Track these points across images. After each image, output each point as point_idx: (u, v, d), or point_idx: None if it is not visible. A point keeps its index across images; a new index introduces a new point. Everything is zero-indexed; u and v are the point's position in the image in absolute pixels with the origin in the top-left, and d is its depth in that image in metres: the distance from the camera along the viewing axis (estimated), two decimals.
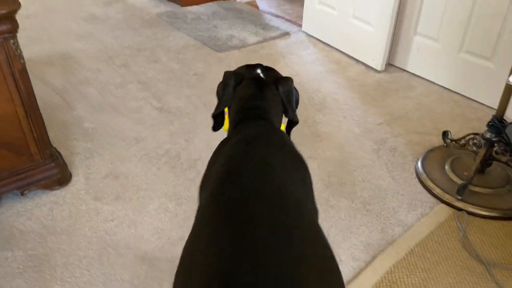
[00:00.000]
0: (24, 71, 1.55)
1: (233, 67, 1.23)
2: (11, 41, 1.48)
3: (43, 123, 1.70)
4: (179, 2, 3.89)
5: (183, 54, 3.01)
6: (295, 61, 2.98)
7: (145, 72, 2.75)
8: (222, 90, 1.16)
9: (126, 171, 1.92)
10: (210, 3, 4.02)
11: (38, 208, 1.70)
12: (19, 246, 1.54)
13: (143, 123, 2.26)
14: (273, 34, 3.41)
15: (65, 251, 1.53)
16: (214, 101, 1.19)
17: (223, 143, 1.00)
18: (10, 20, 1.44)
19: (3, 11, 1.41)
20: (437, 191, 1.83)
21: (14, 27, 1.47)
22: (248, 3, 4.07)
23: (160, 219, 1.68)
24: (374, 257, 1.54)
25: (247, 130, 1.01)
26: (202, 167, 1.94)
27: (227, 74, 1.16)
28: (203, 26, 3.51)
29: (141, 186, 1.83)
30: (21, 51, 1.53)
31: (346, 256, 1.54)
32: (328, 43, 3.22)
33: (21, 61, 1.53)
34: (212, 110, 1.17)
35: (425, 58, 2.72)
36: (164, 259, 1.52)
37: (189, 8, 3.88)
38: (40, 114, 1.68)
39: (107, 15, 3.63)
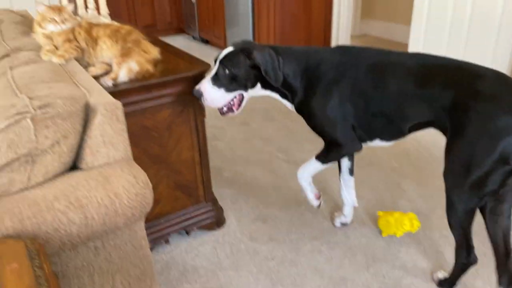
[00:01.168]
0: (203, 122, 1.78)
1: None
2: None
3: (209, 167, 1.90)
4: None
5: (294, 113, 3.22)
6: None
7: (265, 129, 2.98)
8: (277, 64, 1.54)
9: (272, 215, 2.05)
10: None
11: (203, 246, 1.85)
12: (195, 280, 1.68)
13: (276, 173, 2.42)
14: None
15: (237, 285, 1.64)
16: None
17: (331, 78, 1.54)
18: (202, 79, 1.69)
19: (197, 71, 1.67)
20: None
21: None
22: None
23: (317, 260, 1.76)
24: None
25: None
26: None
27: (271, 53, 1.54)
28: None
29: (290, 229, 1.95)
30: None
31: None
32: None
33: (204, 113, 1.76)
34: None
35: None
36: None
37: None
38: (208, 159, 1.88)
39: None
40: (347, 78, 1.51)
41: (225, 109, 1.65)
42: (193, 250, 1.83)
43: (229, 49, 1.59)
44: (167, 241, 1.84)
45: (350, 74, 1.51)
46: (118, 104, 1.16)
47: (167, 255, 1.81)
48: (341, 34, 4.21)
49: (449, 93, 1.34)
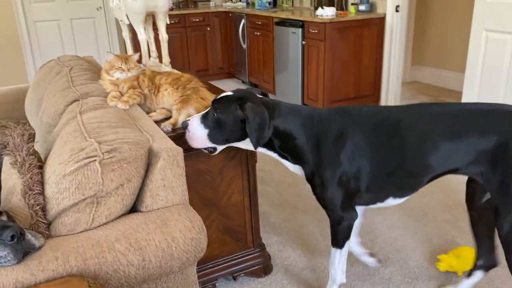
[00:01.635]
0: (255, 166, 1.81)
1: None
2: None
3: (258, 212, 1.90)
4: None
5: None
6: None
7: None
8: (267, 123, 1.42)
9: (321, 265, 2.00)
10: None
11: None
12: None
13: (323, 221, 2.38)
14: None
15: None
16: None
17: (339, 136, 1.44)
18: None
19: None
20: None
21: None
22: None
23: None
24: None
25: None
26: (397, 265, 1.96)
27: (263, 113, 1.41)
28: None
29: None
30: None
31: None
32: None
33: (255, 158, 1.79)
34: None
35: None
36: None
37: None
38: (258, 204, 1.88)
39: None
40: (355, 142, 1.42)
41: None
42: None
43: (228, 93, 1.51)
44: (214, 286, 1.83)
45: (358, 137, 1.42)
46: (179, 150, 1.21)
47: None
48: (391, 81, 4.20)
49: (490, 136, 1.32)
